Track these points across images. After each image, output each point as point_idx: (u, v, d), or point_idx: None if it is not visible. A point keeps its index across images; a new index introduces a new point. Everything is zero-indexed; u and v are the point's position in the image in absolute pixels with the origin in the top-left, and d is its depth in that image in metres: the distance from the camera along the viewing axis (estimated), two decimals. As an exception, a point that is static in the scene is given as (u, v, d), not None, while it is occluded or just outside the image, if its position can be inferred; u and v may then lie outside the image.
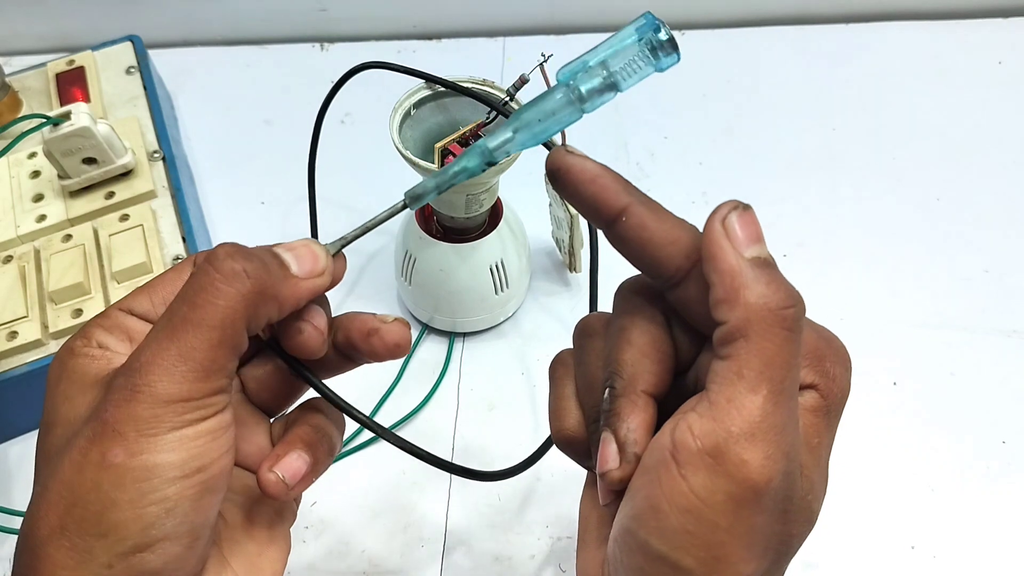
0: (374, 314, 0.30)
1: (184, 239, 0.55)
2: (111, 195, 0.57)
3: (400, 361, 0.54)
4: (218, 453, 0.25)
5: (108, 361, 0.26)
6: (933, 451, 0.49)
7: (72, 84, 0.64)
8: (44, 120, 0.53)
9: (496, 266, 0.52)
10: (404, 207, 0.29)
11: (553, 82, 0.28)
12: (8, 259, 0.54)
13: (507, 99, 0.46)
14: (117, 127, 0.58)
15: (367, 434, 0.51)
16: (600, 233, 0.36)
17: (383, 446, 0.48)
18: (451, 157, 0.47)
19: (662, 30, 0.26)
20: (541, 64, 0.42)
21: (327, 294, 0.30)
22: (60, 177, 0.56)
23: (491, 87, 0.47)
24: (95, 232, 0.55)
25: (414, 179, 0.48)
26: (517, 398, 0.53)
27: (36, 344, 0.50)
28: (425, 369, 0.55)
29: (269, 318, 0.26)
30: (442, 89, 0.48)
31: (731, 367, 0.23)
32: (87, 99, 0.63)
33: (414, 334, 0.55)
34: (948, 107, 0.68)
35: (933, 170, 0.64)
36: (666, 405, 0.26)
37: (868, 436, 0.49)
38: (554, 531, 0.47)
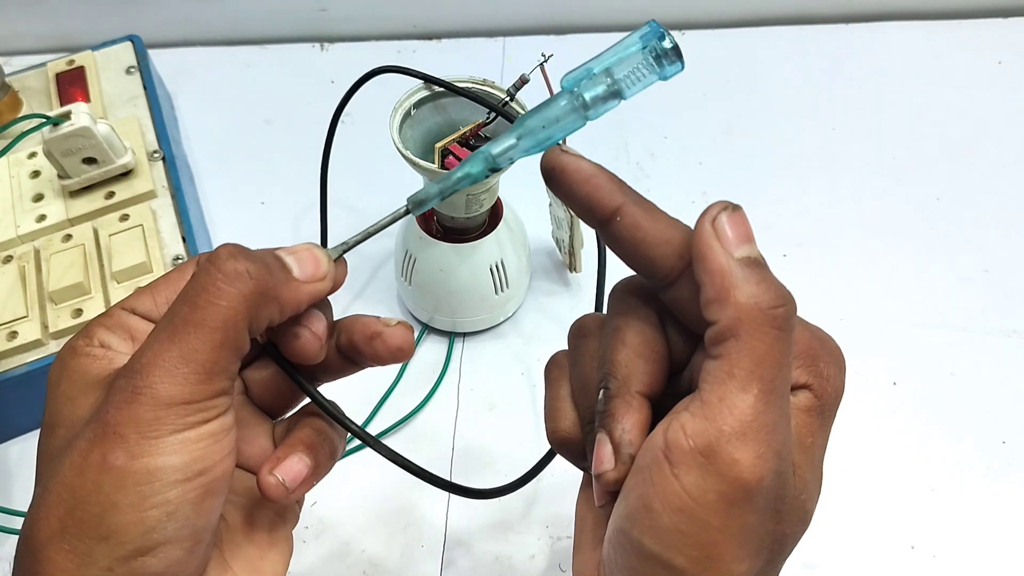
0: (377, 317, 0.30)
1: (184, 239, 0.55)
2: (111, 195, 0.57)
3: (402, 363, 0.54)
4: (220, 456, 0.25)
5: (110, 361, 0.26)
6: (933, 451, 0.49)
7: (72, 84, 0.64)
8: (44, 120, 0.53)
9: (496, 266, 0.52)
10: (407, 212, 0.29)
11: (554, 83, 0.28)
12: (8, 259, 0.54)
13: (507, 99, 0.46)
14: (117, 127, 0.58)
15: (367, 434, 0.51)
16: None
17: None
18: (451, 157, 0.47)
19: (666, 38, 0.26)
20: (541, 64, 0.42)
21: (329, 298, 0.30)
22: (60, 177, 0.56)
23: (491, 87, 0.47)
24: (95, 232, 0.55)
25: (414, 179, 0.48)
26: (517, 398, 0.53)
27: (36, 344, 0.50)
28: (425, 369, 0.55)
29: (270, 320, 0.26)
30: (441, 89, 0.48)
31: (722, 367, 0.23)
32: (87, 99, 0.63)
33: (414, 334, 0.55)
34: (948, 107, 0.68)
35: (933, 170, 0.64)
36: (661, 405, 0.26)
37: (868, 436, 0.49)
38: (554, 531, 0.47)
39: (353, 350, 0.30)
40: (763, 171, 0.65)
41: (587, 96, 0.27)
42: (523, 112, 0.46)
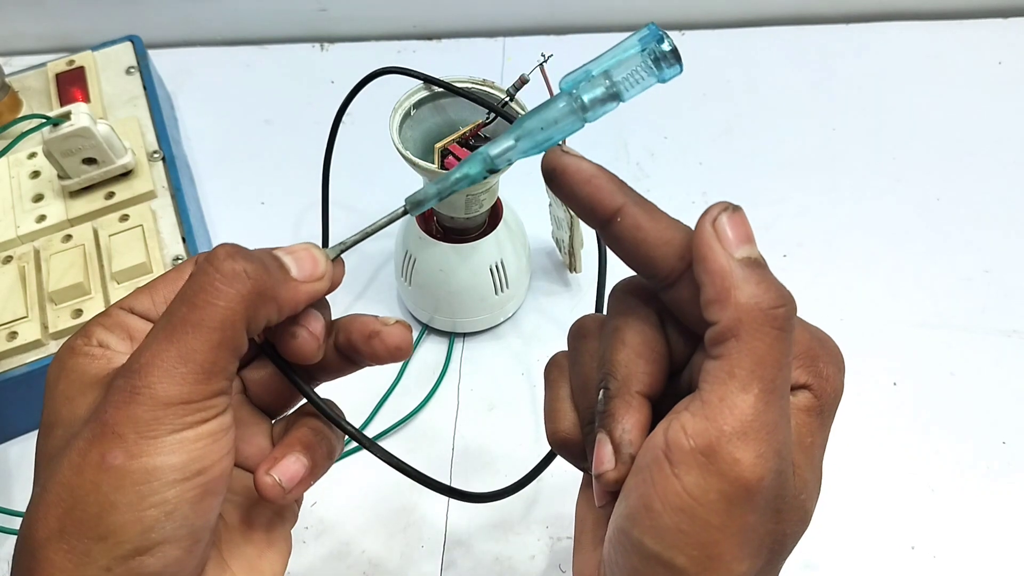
0: (376, 316, 0.30)
1: (184, 239, 0.55)
2: (111, 195, 0.57)
3: (400, 362, 0.54)
4: (218, 455, 0.25)
5: (108, 360, 0.26)
6: (933, 451, 0.49)
7: (72, 84, 0.64)
8: (44, 120, 0.53)
9: (496, 266, 0.52)
10: (405, 213, 0.29)
11: (553, 84, 0.28)
12: (8, 259, 0.54)
13: (507, 99, 0.46)
14: (117, 127, 0.58)
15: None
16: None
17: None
18: (451, 157, 0.47)
19: (665, 41, 0.26)
20: (541, 64, 0.42)
21: (327, 298, 0.30)
22: (60, 177, 0.56)
23: (491, 87, 0.47)
24: (95, 232, 0.55)
25: (414, 179, 0.48)
26: (517, 398, 0.53)
27: (36, 344, 0.50)
28: (425, 370, 0.55)
29: (268, 320, 0.26)
30: (441, 89, 0.48)
31: (723, 367, 0.23)
32: (87, 99, 0.63)
33: (414, 334, 0.55)
34: (948, 107, 0.68)
35: (933, 170, 0.64)
36: (661, 406, 0.26)
37: (868, 436, 0.49)
38: (554, 531, 0.47)
39: (351, 349, 0.30)
40: (763, 171, 0.65)
41: (586, 98, 0.27)
42: (523, 113, 0.46)
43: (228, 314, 0.24)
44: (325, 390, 0.31)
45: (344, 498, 0.49)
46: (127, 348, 0.27)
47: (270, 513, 0.31)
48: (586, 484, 0.30)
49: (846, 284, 0.58)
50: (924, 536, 0.46)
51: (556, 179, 0.26)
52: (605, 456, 0.25)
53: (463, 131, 0.47)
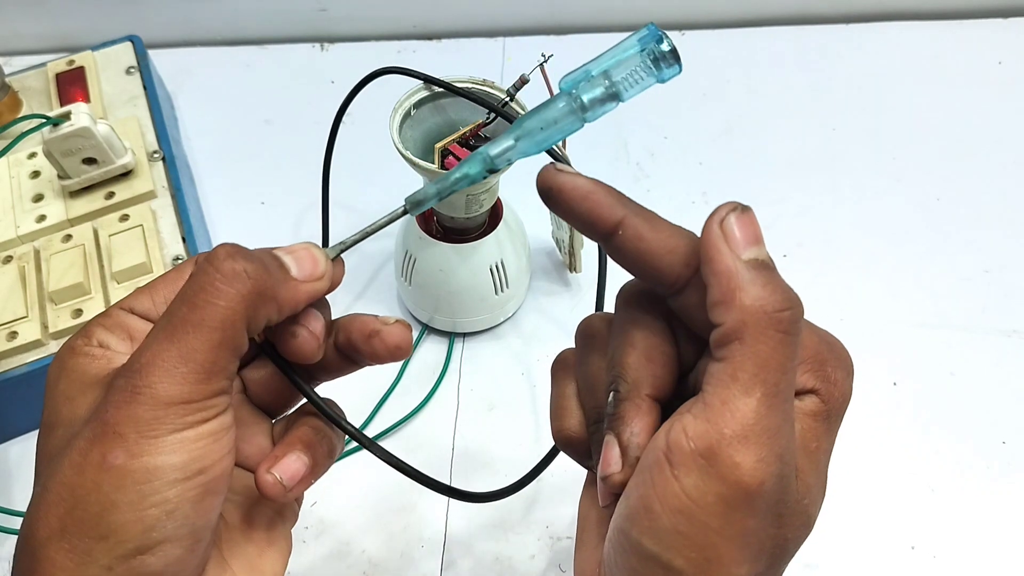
0: (375, 316, 0.30)
1: (184, 239, 0.55)
2: (111, 195, 0.57)
3: (400, 361, 0.54)
4: (219, 455, 0.25)
5: (109, 361, 0.26)
6: (933, 451, 0.49)
7: (72, 84, 0.64)
8: (44, 120, 0.53)
9: (496, 266, 0.52)
10: (404, 213, 0.29)
11: (553, 84, 0.28)
12: (8, 259, 0.54)
13: (507, 99, 0.46)
14: (117, 127, 0.58)
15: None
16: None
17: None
18: (451, 157, 0.47)
19: (664, 41, 0.26)
20: (541, 64, 0.42)
21: (327, 297, 0.30)
22: (60, 177, 0.56)
23: (491, 87, 0.47)
24: (95, 232, 0.55)
25: (414, 179, 0.48)
26: (517, 398, 0.53)
27: (36, 344, 0.50)
28: (425, 369, 0.55)
29: (268, 320, 0.26)
30: (441, 89, 0.48)
31: (726, 369, 0.23)
32: (87, 99, 0.63)
33: (414, 334, 0.55)
34: (948, 107, 0.68)
35: (933, 170, 0.64)
36: (670, 408, 0.26)
37: (868, 436, 0.49)
38: (554, 531, 0.47)
39: (351, 349, 0.30)
40: (763, 171, 0.65)
41: (585, 98, 0.27)
42: (523, 113, 0.46)
43: (228, 314, 0.24)
44: (325, 390, 0.31)
45: (344, 498, 0.49)
46: (127, 348, 0.27)
47: (271, 512, 0.31)
48: (590, 482, 0.30)
49: (846, 284, 0.58)
50: (924, 536, 0.46)
51: (553, 198, 0.26)
52: (612, 458, 0.25)
53: (463, 131, 0.47)
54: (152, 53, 0.70)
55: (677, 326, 0.27)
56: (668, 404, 0.26)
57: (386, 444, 0.45)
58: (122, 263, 0.53)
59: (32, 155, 0.59)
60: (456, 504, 0.49)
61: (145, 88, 0.65)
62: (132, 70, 0.67)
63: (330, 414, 0.30)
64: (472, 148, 0.47)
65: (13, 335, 0.50)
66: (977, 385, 0.52)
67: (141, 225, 0.55)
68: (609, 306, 0.49)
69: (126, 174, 0.58)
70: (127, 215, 0.56)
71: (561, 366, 0.31)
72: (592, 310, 0.50)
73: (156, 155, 0.60)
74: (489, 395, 0.53)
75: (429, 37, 0.78)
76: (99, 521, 0.23)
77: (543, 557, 0.47)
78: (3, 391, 0.50)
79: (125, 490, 0.23)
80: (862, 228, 0.61)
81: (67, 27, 0.78)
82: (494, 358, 0.55)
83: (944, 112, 0.68)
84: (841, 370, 0.25)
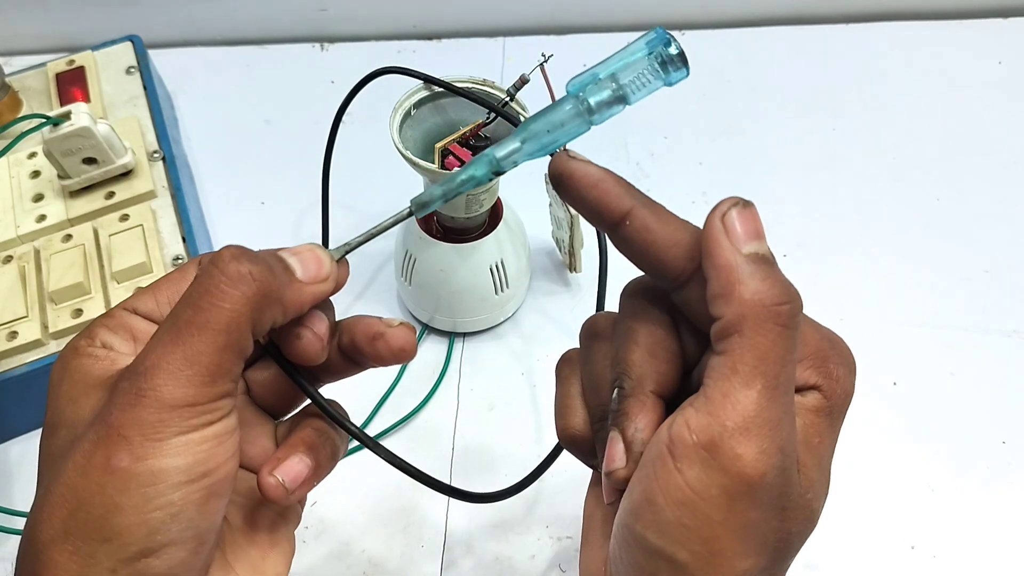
0: (379, 318, 0.30)
1: (184, 239, 0.55)
2: (111, 195, 0.57)
3: (404, 364, 0.54)
4: (223, 457, 0.25)
5: (112, 362, 0.26)
6: (933, 451, 0.50)
7: (72, 84, 0.64)
8: (44, 120, 0.53)
9: (496, 266, 0.52)
10: (410, 214, 0.29)
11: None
12: (8, 259, 0.54)
13: (507, 99, 0.46)
14: (117, 127, 0.58)
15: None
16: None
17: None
18: (451, 157, 0.47)
19: (672, 44, 0.26)
20: (541, 64, 0.42)
21: (331, 298, 0.29)
22: (60, 177, 0.56)
23: (491, 87, 0.47)
24: (95, 232, 0.55)
25: (414, 179, 0.48)
26: (517, 398, 0.53)
27: (36, 344, 0.50)
28: (425, 369, 0.55)
29: (273, 322, 0.26)
30: (441, 89, 0.48)
31: (726, 362, 0.23)
32: (87, 99, 0.63)
33: (416, 335, 0.55)
34: (948, 107, 0.68)
35: (933, 170, 0.64)
36: (674, 405, 0.26)
37: (868, 436, 0.49)
38: (554, 531, 0.47)
39: (355, 351, 0.30)
40: (763, 171, 0.65)
41: (592, 101, 0.27)
42: (523, 112, 0.46)
43: (233, 317, 0.24)
44: (327, 390, 0.31)
45: (344, 498, 0.49)
46: (131, 349, 0.27)
47: (273, 514, 0.31)
48: (595, 481, 0.30)
49: (846, 284, 0.58)
50: (924, 536, 0.46)
51: (563, 184, 0.26)
52: (616, 454, 0.26)
53: (463, 131, 0.47)
54: (152, 53, 0.70)
55: (681, 322, 0.27)
56: (672, 400, 0.26)
57: (386, 444, 0.45)
58: (122, 263, 0.53)
59: (32, 155, 0.59)
60: (456, 504, 0.49)
61: (145, 88, 0.65)
62: (132, 70, 0.67)
63: (334, 415, 0.30)
64: (472, 148, 0.47)
65: (13, 335, 0.50)
66: (977, 385, 0.52)
67: (141, 225, 0.55)
68: (609, 306, 0.49)
69: (126, 174, 0.58)
70: (127, 215, 0.56)
71: (566, 365, 0.31)
72: (592, 310, 0.50)
73: (156, 155, 0.60)
74: (489, 395, 0.53)
75: (429, 37, 0.78)
76: (103, 524, 0.23)
77: (543, 557, 0.47)
78: (3, 391, 0.50)
79: (129, 493, 0.23)
80: (862, 228, 0.61)
81: (67, 27, 0.77)
82: (494, 358, 0.55)
83: (944, 112, 0.68)
84: (843, 367, 0.25)
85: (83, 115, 0.53)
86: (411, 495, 0.49)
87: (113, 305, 0.29)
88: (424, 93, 0.48)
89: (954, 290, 0.57)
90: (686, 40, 0.75)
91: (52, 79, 0.65)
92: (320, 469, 0.29)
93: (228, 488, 0.25)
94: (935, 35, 0.74)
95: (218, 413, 0.25)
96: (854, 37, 0.75)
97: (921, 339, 0.55)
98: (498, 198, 0.52)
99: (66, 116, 0.53)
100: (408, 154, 0.45)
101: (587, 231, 0.55)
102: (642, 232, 0.26)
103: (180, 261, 0.54)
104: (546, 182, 0.50)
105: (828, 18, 0.76)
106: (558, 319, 0.57)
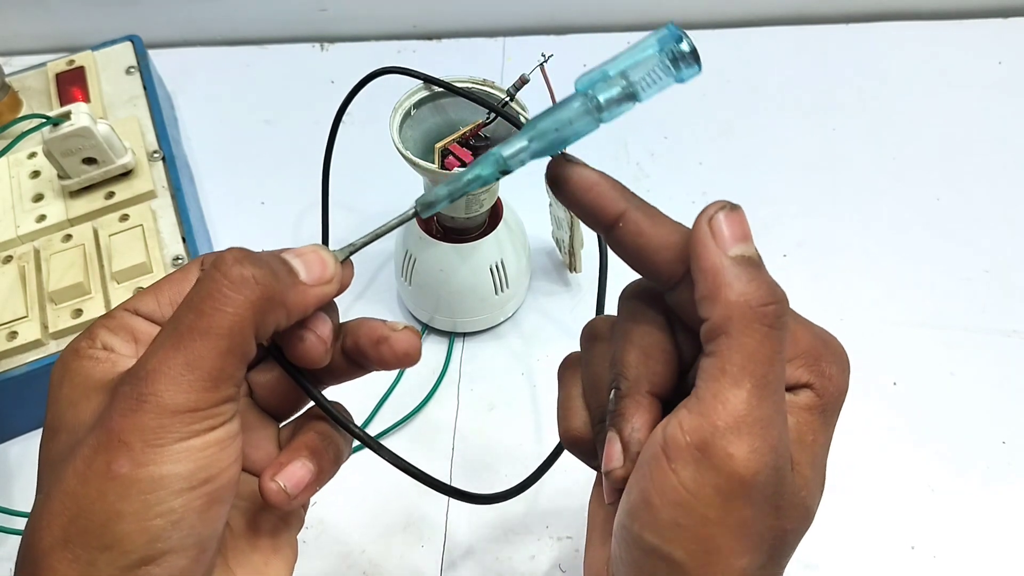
0: (384, 321, 0.30)
1: (184, 239, 0.55)
2: (111, 195, 0.57)
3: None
4: (226, 463, 0.25)
5: (113, 364, 0.26)
6: (933, 451, 0.50)
7: (72, 84, 0.64)
8: (44, 120, 0.53)
9: (496, 266, 0.52)
10: (415, 215, 0.29)
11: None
12: (8, 259, 0.54)
13: (507, 99, 0.46)
14: (117, 127, 0.58)
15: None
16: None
17: (383, 446, 0.48)
18: (451, 157, 0.47)
19: (684, 41, 0.26)
20: (541, 64, 0.42)
21: (335, 300, 0.29)
22: (60, 177, 0.56)
23: (491, 87, 0.47)
24: (95, 232, 0.55)
25: (414, 179, 0.48)
26: (517, 398, 0.53)
27: (36, 344, 0.50)
28: (425, 369, 0.55)
29: (277, 325, 0.26)
30: (441, 89, 0.48)
31: (715, 363, 0.23)
32: (87, 99, 0.63)
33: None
34: (948, 107, 0.68)
35: (933, 170, 0.64)
36: (671, 405, 0.26)
37: (868, 436, 0.50)
38: (554, 531, 0.47)
39: (359, 354, 0.30)
40: (763, 171, 0.65)
41: (602, 98, 0.26)
42: (523, 112, 0.46)
43: (236, 321, 0.24)
44: (330, 393, 0.31)
45: (344, 498, 0.49)
46: (132, 351, 0.27)
47: (276, 519, 0.30)
48: (597, 482, 0.30)
49: (846, 284, 0.58)
50: (924, 536, 0.46)
51: (560, 187, 0.27)
52: (614, 454, 0.26)
53: (463, 131, 0.47)
54: (152, 53, 0.70)
55: (677, 324, 0.27)
56: (670, 401, 0.27)
57: (386, 444, 0.45)
58: (122, 263, 0.53)
59: (32, 155, 0.59)
60: (456, 504, 0.49)
61: (145, 88, 0.65)
62: (132, 70, 0.67)
63: (339, 418, 0.30)
64: (472, 148, 0.47)
65: (13, 335, 0.50)
66: (977, 385, 0.52)
67: (141, 225, 0.55)
68: (609, 307, 0.49)
69: (126, 174, 0.58)
70: (127, 215, 0.56)
71: (567, 368, 0.31)
72: (592, 310, 0.50)
73: (156, 155, 0.60)
74: (489, 395, 0.53)
75: (429, 37, 0.78)
76: (103, 531, 0.23)
77: (543, 557, 0.47)
78: (3, 391, 0.50)
79: (130, 500, 0.23)
80: (862, 228, 0.61)
81: (67, 27, 0.77)
82: (494, 358, 0.55)
83: (944, 112, 0.68)
84: (836, 365, 0.26)
85: (83, 115, 0.53)
86: (411, 495, 0.49)
87: (113, 305, 0.29)
88: (424, 93, 0.48)
89: (954, 290, 0.57)
90: (686, 40, 0.75)
91: (52, 79, 0.65)
92: (323, 474, 0.29)
93: (230, 494, 0.25)
94: (935, 35, 0.74)
95: (220, 418, 0.24)
96: (854, 37, 0.75)
97: (921, 339, 0.55)
98: (498, 198, 0.52)
99: (66, 116, 0.53)
100: (408, 154, 0.45)
101: (587, 231, 0.55)
102: (634, 234, 0.26)
103: (180, 261, 0.54)
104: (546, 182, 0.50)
105: (828, 18, 0.76)
106: (558, 319, 0.57)
